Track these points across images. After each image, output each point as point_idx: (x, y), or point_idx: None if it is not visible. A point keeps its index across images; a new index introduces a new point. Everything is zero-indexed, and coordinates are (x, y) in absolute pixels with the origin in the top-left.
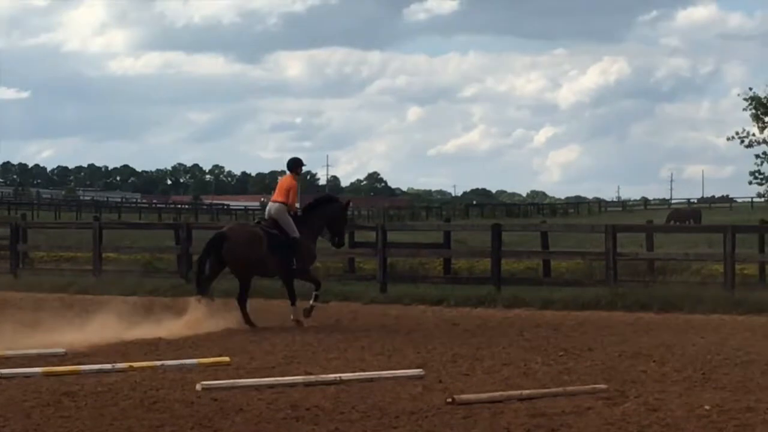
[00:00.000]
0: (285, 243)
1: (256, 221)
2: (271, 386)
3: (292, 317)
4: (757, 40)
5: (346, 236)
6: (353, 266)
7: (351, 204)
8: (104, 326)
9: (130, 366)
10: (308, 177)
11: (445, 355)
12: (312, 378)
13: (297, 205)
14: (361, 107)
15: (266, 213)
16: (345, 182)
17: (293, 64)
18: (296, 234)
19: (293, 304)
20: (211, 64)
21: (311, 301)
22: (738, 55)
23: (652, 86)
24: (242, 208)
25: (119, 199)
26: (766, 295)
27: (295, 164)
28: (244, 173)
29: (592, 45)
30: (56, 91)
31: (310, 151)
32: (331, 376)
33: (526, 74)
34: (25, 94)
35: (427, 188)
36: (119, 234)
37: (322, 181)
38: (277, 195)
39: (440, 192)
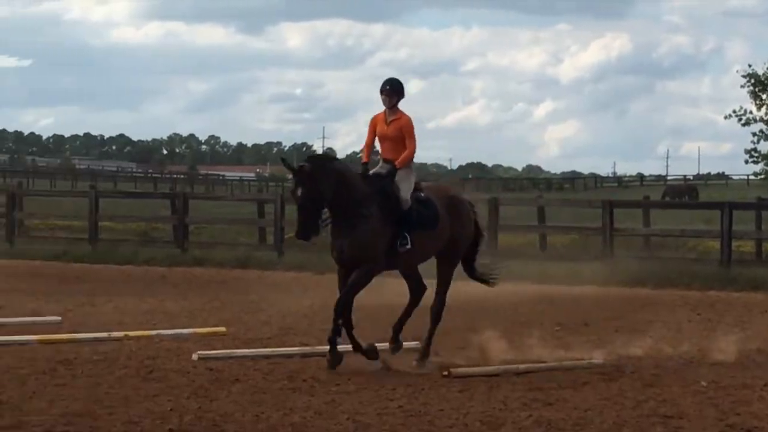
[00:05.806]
0: None
1: None
2: (267, 357)
3: None
4: (758, 18)
5: None
6: None
7: None
8: None
9: (126, 335)
10: (304, 148)
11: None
12: (308, 349)
13: None
14: (362, 79)
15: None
16: (341, 154)
17: (295, 36)
18: None
19: None
20: (212, 35)
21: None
22: (739, 33)
23: (654, 63)
24: (237, 178)
25: (115, 168)
26: (762, 272)
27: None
28: (240, 144)
29: (594, 21)
30: (57, 60)
31: (310, 123)
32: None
33: (527, 49)
34: (26, 63)
35: (422, 161)
36: (114, 203)
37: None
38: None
39: (436, 165)
